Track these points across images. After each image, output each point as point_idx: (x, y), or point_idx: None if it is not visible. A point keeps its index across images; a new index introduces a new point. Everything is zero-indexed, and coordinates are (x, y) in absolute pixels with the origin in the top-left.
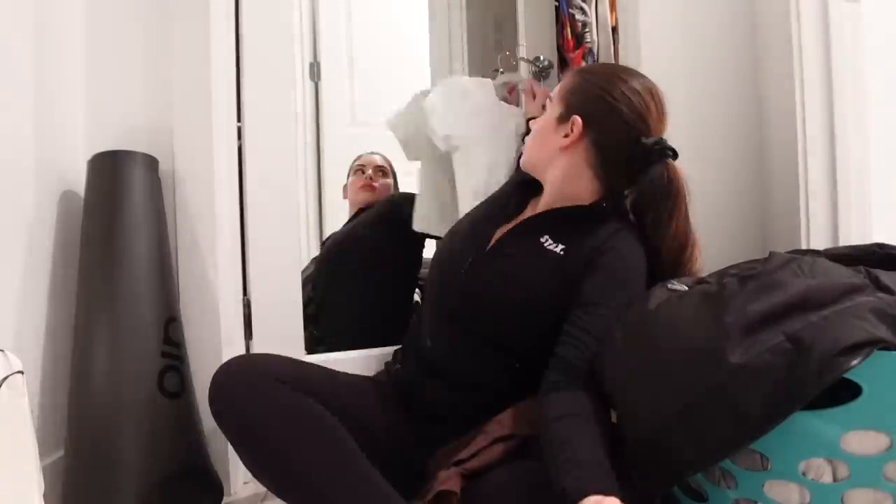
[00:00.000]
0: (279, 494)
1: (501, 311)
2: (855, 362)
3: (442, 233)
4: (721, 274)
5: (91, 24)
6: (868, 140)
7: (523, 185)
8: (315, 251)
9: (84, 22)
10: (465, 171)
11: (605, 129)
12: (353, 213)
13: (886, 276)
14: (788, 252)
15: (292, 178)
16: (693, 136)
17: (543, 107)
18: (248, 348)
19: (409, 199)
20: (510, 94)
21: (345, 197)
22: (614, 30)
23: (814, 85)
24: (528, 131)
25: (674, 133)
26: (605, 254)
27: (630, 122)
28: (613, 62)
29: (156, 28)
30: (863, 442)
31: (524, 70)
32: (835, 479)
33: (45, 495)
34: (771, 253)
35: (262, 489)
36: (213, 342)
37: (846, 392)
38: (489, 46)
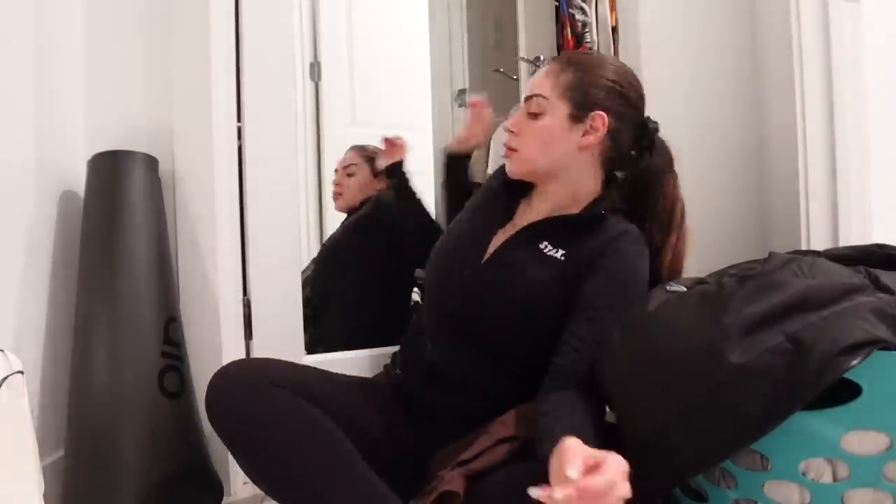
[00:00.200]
0: (276, 498)
1: (502, 320)
2: (855, 362)
3: None
4: (720, 274)
5: (91, 25)
6: (868, 140)
7: (510, 187)
8: (315, 252)
9: (84, 22)
10: None
11: (621, 118)
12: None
13: (886, 277)
14: (788, 252)
15: (292, 178)
16: (693, 135)
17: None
18: (248, 348)
19: (400, 196)
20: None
21: None
22: (614, 30)
23: (814, 85)
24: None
25: (674, 133)
26: (606, 255)
27: (638, 105)
28: (603, 56)
29: (156, 28)
30: (863, 442)
31: (524, 70)
32: (835, 479)
33: (45, 495)
34: (770, 253)
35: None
36: (213, 342)
37: (846, 392)
38: (489, 46)
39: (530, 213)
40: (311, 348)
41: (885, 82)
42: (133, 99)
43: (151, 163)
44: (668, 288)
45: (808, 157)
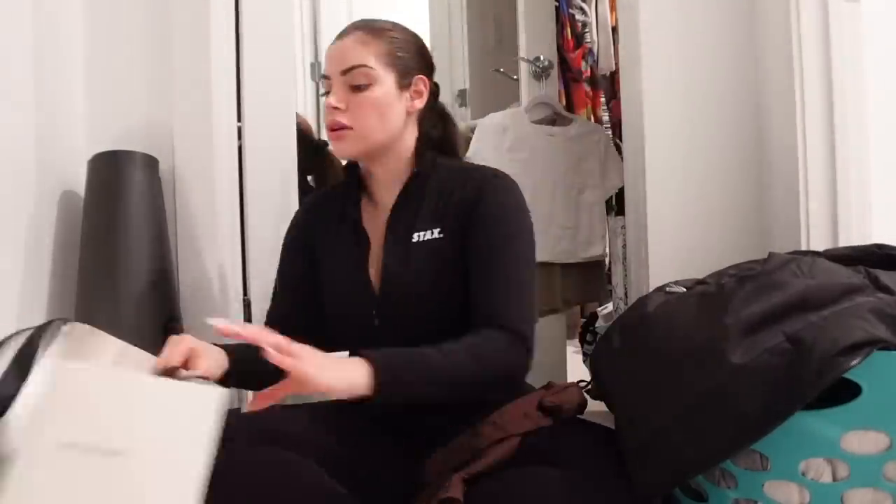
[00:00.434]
0: None
1: (430, 322)
2: (855, 362)
3: None
4: (720, 274)
5: (91, 24)
6: (868, 140)
7: (347, 198)
8: None
9: (84, 22)
10: None
11: (431, 76)
12: None
13: (886, 277)
14: (788, 252)
15: (293, 178)
16: (693, 135)
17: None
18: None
19: None
20: None
21: None
22: (614, 30)
23: (814, 85)
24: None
25: (673, 132)
26: (478, 206)
27: (432, 61)
28: (385, 19)
29: (156, 28)
30: (862, 442)
31: (524, 70)
32: (834, 479)
33: None
34: (770, 253)
35: None
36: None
37: (846, 392)
38: (489, 46)
39: (380, 212)
40: None
41: (885, 82)
42: (133, 99)
43: (151, 163)
44: (667, 289)
45: (808, 157)
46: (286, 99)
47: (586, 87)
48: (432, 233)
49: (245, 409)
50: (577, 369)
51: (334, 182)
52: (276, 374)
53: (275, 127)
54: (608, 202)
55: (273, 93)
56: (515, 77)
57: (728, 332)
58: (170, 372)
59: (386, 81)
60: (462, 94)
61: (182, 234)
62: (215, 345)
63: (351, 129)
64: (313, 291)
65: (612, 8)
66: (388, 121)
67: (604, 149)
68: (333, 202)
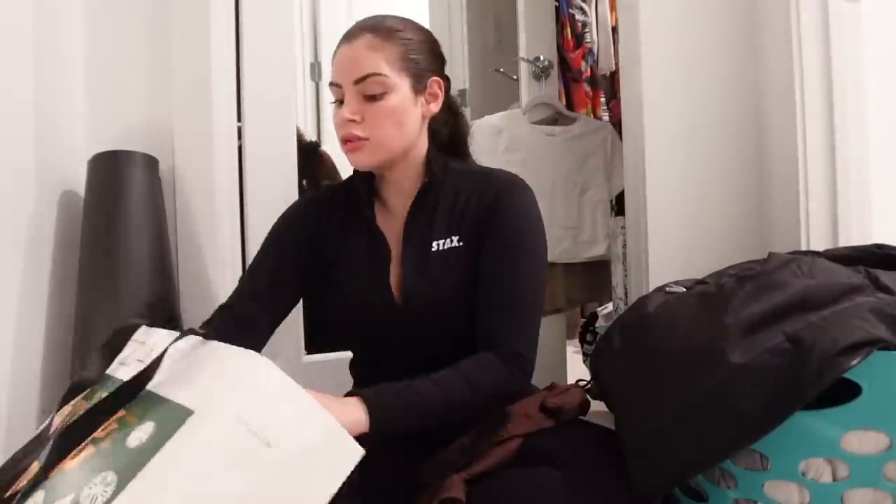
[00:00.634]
0: None
1: (447, 335)
2: (855, 362)
3: None
4: (720, 274)
5: (91, 24)
6: (868, 140)
7: (357, 202)
8: None
9: (84, 22)
10: None
11: (443, 74)
12: None
13: (886, 277)
14: (788, 252)
15: (292, 178)
16: (693, 135)
17: None
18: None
19: None
20: None
21: None
22: (614, 30)
23: (814, 85)
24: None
25: (673, 132)
26: (494, 216)
27: (443, 56)
28: (394, 16)
29: (156, 28)
30: (862, 442)
31: (524, 70)
32: (834, 479)
33: None
34: (770, 253)
35: None
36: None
37: (846, 392)
38: (489, 46)
39: (393, 219)
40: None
41: (885, 82)
42: (133, 99)
43: (151, 163)
44: (667, 289)
45: (808, 157)
46: (286, 99)
47: (586, 87)
48: (451, 241)
49: None
50: (577, 369)
51: (328, 183)
52: None
53: (275, 127)
54: (609, 202)
55: (273, 93)
56: (515, 77)
57: (728, 332)
58: None
59: (401, 88)
60: (462, 94)
61: (182, 234)
62: None
63: (368, 140)
64: (297, 289)
65: (612, 8)
66: (405, 129)
67: (610, 146)
68: (340, 204)
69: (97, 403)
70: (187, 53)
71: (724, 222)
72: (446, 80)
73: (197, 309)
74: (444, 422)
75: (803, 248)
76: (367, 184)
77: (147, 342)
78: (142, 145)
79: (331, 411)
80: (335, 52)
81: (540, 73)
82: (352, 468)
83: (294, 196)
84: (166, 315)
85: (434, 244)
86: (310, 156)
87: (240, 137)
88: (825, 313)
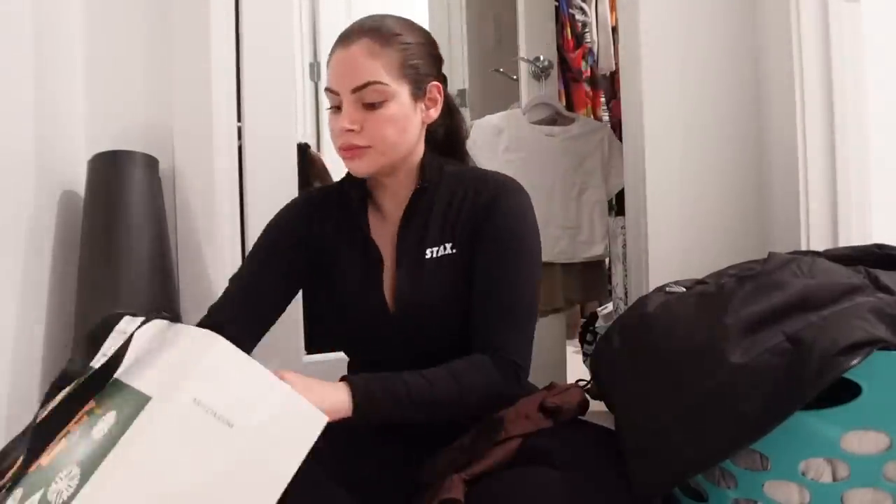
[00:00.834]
0: None
1: (442, 338)
2: (855, 362)
3: None
4: (720, 274)
5: (91, 24)
6: (868, 140)
7: (350, 206)
8: None
9: (84, 22)
10: None
11: (442, 77)
12: None
13: (886, 277)
14: (788, 252)
15: (292, 178)
16: (692, 135)
17: None
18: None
19: None
20: None
21: None
22: (614, 30)
23: (814, 85)
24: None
25: (673, 132)
26: (489, 219)
27: (441, 57)
28: (392, 17)
29: (156, 28)
30: (862, 442)
31: (524, 70)
32: (834, 479)
33: None
34: (770, 253)
35: None
36: None
37: (846, 392)
38: (489, 46)
39: (387, 225)
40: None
41: (885, 82)
42: (133, 99)
43: (151, 163)
44: (667, 289)
45: (808, 157)
46: (286, 99)
47: (586, 87)
48: (444, 248)
49: None
50: (577, 369)
51: (320, 185)
52: None
53: (275, 127)
54: (608, 202)
55: (273, 93)
56: (515, 77)
57: (728, 332)
58: None
59: (401, 95)
60: (462, 95)
61: (182, 233)
62: None
63: (368, 148)
64: (289, 290)
65: (612, 8)
66: (405, 136)
67: (607, 147)
68: (334, 206)
69: (69, 393)
70: (187, 53)
71: (723, 222)
72: (444, 80)
73: (197, 308)
74: (430, 417)
75: (803, 248)
76: (360, 190)
77: (128, 330)
78: (142, 145)
79: (316, 394)
80: (331, 54)
81: (540, 73)
82: (316, 435)
83: (294, 195)
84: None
85: (427, 251)
86: (300, 157)
87: (240, 137)
88: (825, 313)
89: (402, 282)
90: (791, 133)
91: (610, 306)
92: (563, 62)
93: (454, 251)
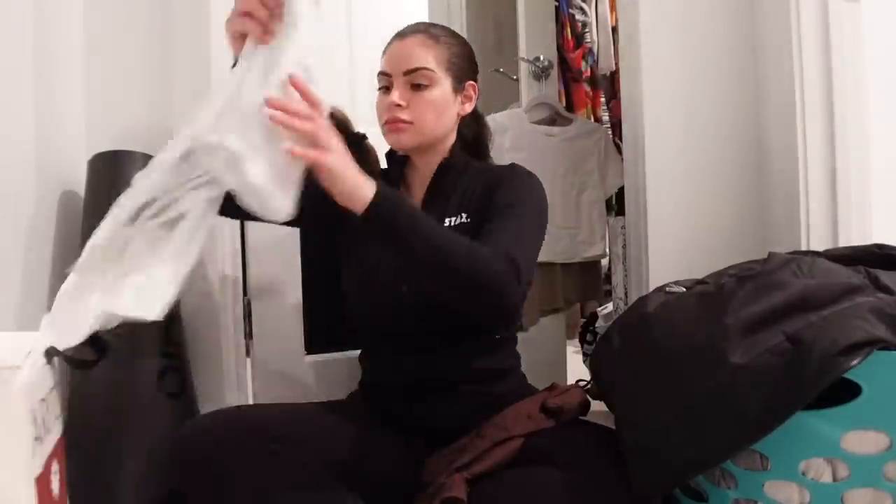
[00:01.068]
0: None
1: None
2: (855, 362)
3: None
4: (720, 275)
5: (91, 24)
6: (868, 140)
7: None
8: None
9: (84, 22)
10: None
11: (477, 81)
12: None
13: (886, 277)
14: (788, 252)
15: None
16: (692, 135)
17: None
18: (248, 347)
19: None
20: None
21: None
22: (614, 30)
23: (814, 85)
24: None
25: (673, 132)
26: (500, 186)
27: (478, 67)
28: (442, 26)
29: (156, 28)
30: (862, 442)
31: (524, 70)
32: (835, 479)
33: None
34: (770, 253)
35: None
36: (213, 342)
37: (846, 392)
38: (489, 46)
39: (412, 200)
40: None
41: (885, 82)
42: (133, 99)
43: None
44: (667, 289)
45: (808, 157)
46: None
47: (586, 87)
48: (460, 217)
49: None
50: (577, 369)
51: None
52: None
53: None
54: (608, 202)
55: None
56: (515, 77)
57: (728, 331)
58: None
59: (444, 84)
60: None
61: None
62: None
63: (411, 123)
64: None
65: (612, 8)
66: (443, 119)
67: (603, 148)
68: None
69: None
70: (188, 53)
71: (723, 222)
72: (477, 84)
73: (197, 309)
74: (429, 258)
75: (803, 248)
76: (399, 166)
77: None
78: (142, 145)
79: (345, 170)
80: (387, 46)
81: (540, 73)
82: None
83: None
84: (166, 315)
85: (447, 220)
86: (357, 147)
87: None
88: (825, 313)
89: None
90: (791, 133)
91: (610, 306)
92: (563, 62)
93: (468, 220)
